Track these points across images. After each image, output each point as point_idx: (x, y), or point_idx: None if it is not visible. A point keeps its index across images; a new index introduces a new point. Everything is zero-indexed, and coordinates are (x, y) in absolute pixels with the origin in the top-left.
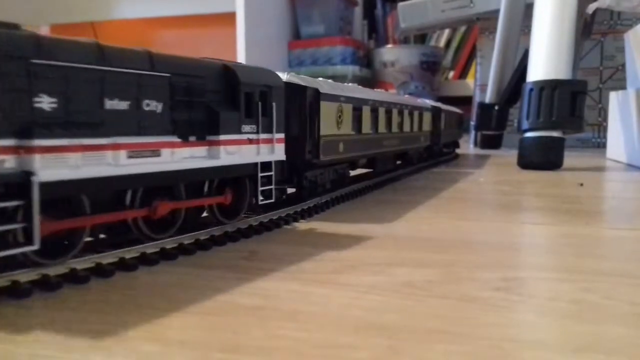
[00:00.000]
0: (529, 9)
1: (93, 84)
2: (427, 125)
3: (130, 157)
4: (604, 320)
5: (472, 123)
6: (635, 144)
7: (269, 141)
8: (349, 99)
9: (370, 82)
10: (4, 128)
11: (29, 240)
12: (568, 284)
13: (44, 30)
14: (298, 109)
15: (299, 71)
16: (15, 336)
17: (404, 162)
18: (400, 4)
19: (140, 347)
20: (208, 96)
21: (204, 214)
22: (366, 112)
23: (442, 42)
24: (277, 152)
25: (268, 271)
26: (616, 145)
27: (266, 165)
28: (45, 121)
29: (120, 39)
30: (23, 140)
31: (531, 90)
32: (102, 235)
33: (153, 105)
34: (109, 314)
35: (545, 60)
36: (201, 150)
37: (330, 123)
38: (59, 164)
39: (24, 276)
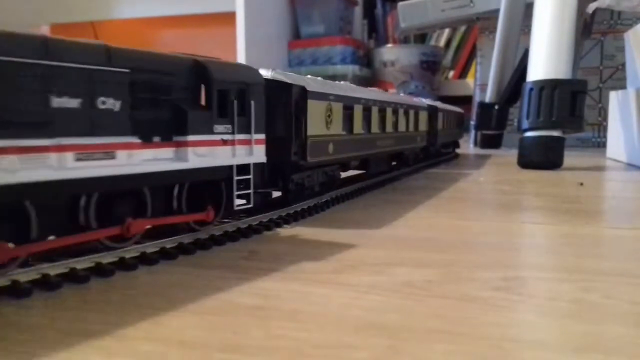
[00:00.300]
0: (529, 9)
1: (37, 80)
2: (423, 125)
3: (78, 159)
4: (604, 320)
5: (472, 122)
6: (635, 144)
7: (247, 142)
8: (339, 98)
9: (370, 81)
10: None
11: None
12: (568, 283)
13: (44, 30)
14: (283, 108)
15: (299, 70)
16: (15, 335)
17: (399, 163)
18: (400, 3)
19: (140, 346)
20: (176, 94)
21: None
22: (358, 111)
23: (442, 42)
24: (256, 154)
25: (268, 271)
26: (616, 144)
27: (244, 168)
28: None
29: (120, 39)
30: None
31: (531, 89)
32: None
33: (110, 103)
34: (108, 313)
35: (545, 59)
36: (167, 152)
37: (319, 123)
38: None
39: (24, 276)
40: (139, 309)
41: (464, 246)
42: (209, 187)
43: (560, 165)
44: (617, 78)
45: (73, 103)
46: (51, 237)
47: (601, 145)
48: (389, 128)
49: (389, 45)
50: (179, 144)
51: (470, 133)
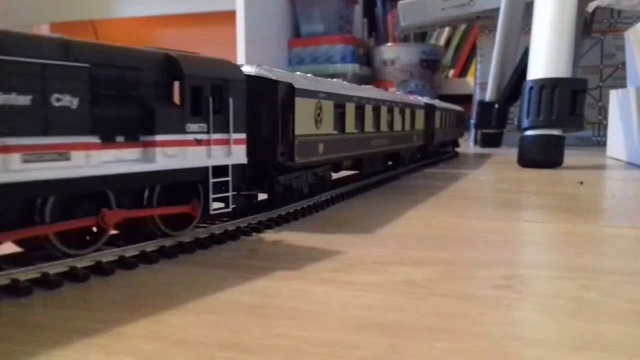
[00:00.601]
0: (529, 8)
1: None
2: (420, 124)
3: (26, 161)
4: (603, 318)
5: (472, 121)
6: (635, 142)
7: (224, 142)
8: (329, 95)
9: (370, 80)
10: None
11: None
12: (568, 281)
13: (44, 29)
14: (269, 106)
15: (299, 69)
16: (15, 334)
17: (395, 163)
18: (401, 2)
19: (139, 345)
20: (144, 90)
21: (148, 226)
22: (350, 109)
23: (442, 41)
24: (236, 155)
25: (268, 270)
26: (616, 143)
27: (222, 170)
28: None
29: (120, 38)
30: None
31: (531, 88)
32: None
33: (66, 100)
34: (108, 312)
35: (546, 58)
36: (132, 153)
37: (308, 121)
38: None
39: (24, 274)
40: (139, 307)
41: (464, 244)
42: (184, 190)
43: (561, 164)
44: (617, 77)
45: (22, 100)
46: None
47: (601, 144)
48: (383, 127)
49: (389, 44)
50: (146, 144)
51: (470, 132)
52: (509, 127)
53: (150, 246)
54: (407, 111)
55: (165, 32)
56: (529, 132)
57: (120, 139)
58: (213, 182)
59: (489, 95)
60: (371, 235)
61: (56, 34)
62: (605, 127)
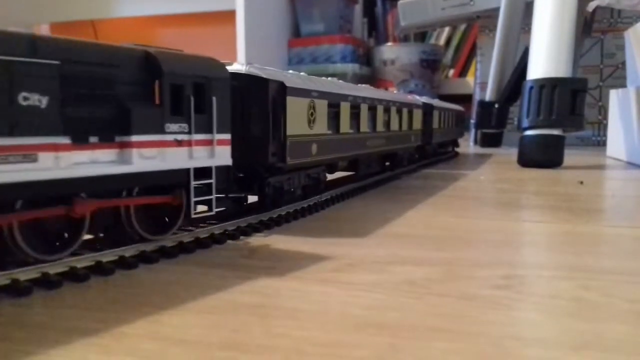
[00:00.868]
0: (529, 7)
1: None
2: (417, 124)
3: None
4: (603, 318)
5: (472, 121)
6: (635, 142)
7: (207, 143)
8: (323, 95)
9: (371, 80)
10: None
11: None
12: (568, 281)
13: (44, 29)
14: (259, 105)
15: (299, 69)
16: (14, 334)
17: (393, 164)
18: (401, 2)
19: (139, 345)
20: (120, 88)
21: (126, 230)
22: (345, 109)
23: (442, 40)
24: (220, 156)
25: (268, 270)
26: (616, 143)
27: (205, 172)
28: None
29: (120, 37)
30: None
31: (531, 88)
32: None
33: (34, 99)
34: (108, 312)
35: (546, 58)
36: (106, 154)
37: (300, 121)
38: None
39: (24, 274)
40: (138, 307)
41: (464, 244)
42: (165, 193)
43: (561, 163)
44: (617, 76)
45: None
46: None
47: (601, 143)
48: (380, 127)
49: (389, 43)
50: (122, 145)
51: (470, 132)
52: (509, 127)
53: (149, 246)
54: (405, 111)
55: (165, 32)
56: (529, 132)
57: (94, 139)
58: (195, 185)
59: (489, 95)
60: (371, 235)
61: (29, 31)
62: (605, 126)
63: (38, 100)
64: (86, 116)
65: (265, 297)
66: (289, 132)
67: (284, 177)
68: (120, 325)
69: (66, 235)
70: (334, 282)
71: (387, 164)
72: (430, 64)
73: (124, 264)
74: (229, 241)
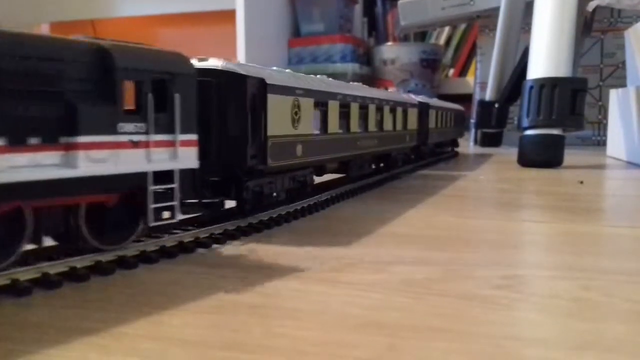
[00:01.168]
0: (529, 7)
1: None
2: (413, 123)
3: None
4: (603, 318)
5: (472, 121)
6: (635, 142)
7: (169, 144)
8: (308, 92)
9: (371, 79)
10: None
11: None
12: (568, 281)
13: (44, 29)
14: (237, 104)
15: (299, 69)
16: (14, 334)
17: (387, 165)
18: (401, 1)
19: (139, 345)
20: (67, 85)
21: (77, 240)
22: (333, 108)
23: (442, 40)
24: (184, 159)
25: (268, 269)
26: (616, 142)
27: (165, 176)
28: None
29: (120, 37)
30: None
31: (531, 87)
32: None
33: None
34: (108, 312)
35: (546, 58)
36: (49, 157)
37: (283, 121)
38: None
39: (24, 274)
40: (138, 307)
41: (464, 244)
42: (122, 199)
43: (561, 163)
44: (617, 76)
45: None
46: None
47: (601, 143)
48: (372, 127)
49: (389, 43)
50: (68, 147)
51: (470, 131)
52: (509, 126)
53: (150, 246)
54: (399, 110)
55: (165, 31)
56: (529, 132)
57: (34, 140)
58: (157, 190)
59: (489, 95)
60: (370, 235)
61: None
62: (605, 126)
63: None
64: (25, 115)
65: (265, 296)
66: (270, 132)
67: (264, 180)
68: (120, 325)
69: (3, 244)
70: (333, 282)
71: (382, 165)
72: (430, 64)
73: (124, 264)
74: (229, 241)
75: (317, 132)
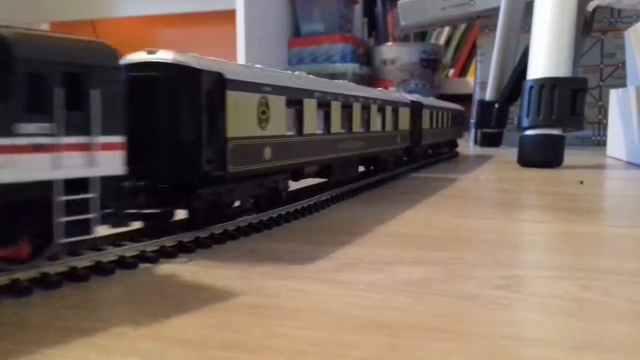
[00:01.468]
0: (529, 7)
1: None
2: (404, 124)
3: None
4: (604, 318)
5: (472, 121)
6: (635, 142)
7: (84, 148)
8: (278, 90)
9: (371, 79)
10: None
11: None
12: (568, 281)
13: (44, 29)
14: (190, 102)
15: (298, 69)
16: (15, 334)
17: (376, 168)
18: (401, 1)
19: (139, 345)
20: None
21: None
22: (310, 106)
23: (442, 40)
24: (105, 164)
25: (268, 269)
26: (616, 143)
27: (79, 184)
28: None
29: (120, 37)
30: None
31: (531, 87)
32: None
33: None
34: (108, 312)
35: (546, 58)
36: None
37: (247, 121)
38: None
39: (24, 274)
40: (138, 307)
41: (464, 244)
42: (24, 212)
43: (561, 163)
44: (617, 76)
45: None
46: None
47: (601, 143)
48: (356, 127)
49: (389, 43)
50: None
51: (470, 131)
52: (509, 126)
53: (150, 246)
54: (388, 109)
55: (165, 31)
56: (529, 132)
57: None
58: (65, 201)
59: (489, 95)
60: (370, 235)
61: None
62: (605, 126)
63: None
64: None
65: (265, 296)
66: (231, 133)
67: (222, 187)
68: (120, 325)
69: None
70: (333, 282)
71: (372, 167)
72: (430, 64)
73: (124, 264)
74: (229, 241)
75: (290, 133)
